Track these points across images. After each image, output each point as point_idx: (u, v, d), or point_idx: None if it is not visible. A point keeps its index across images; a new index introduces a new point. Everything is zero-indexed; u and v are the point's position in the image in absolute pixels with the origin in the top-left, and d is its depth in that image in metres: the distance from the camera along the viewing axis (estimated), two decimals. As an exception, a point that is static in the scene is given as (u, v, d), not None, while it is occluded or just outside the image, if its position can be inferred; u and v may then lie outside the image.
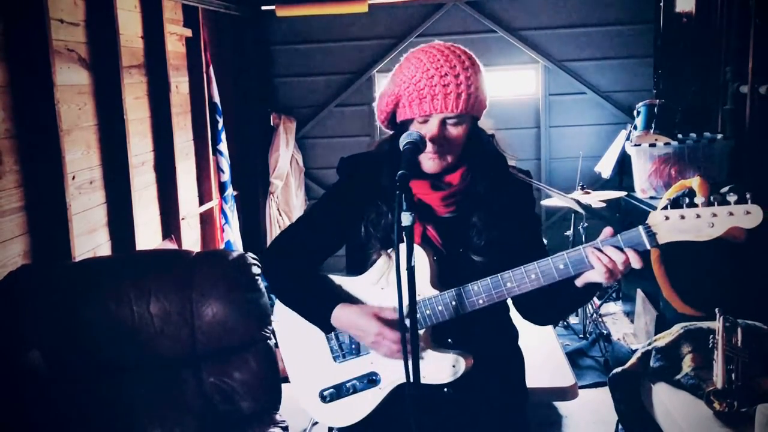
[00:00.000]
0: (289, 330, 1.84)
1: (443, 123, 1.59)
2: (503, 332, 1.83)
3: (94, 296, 2.36)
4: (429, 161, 1.61)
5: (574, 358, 4.17)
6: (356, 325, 1.67)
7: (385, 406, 1.73)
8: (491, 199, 1.67)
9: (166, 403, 2.35)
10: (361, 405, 1.75)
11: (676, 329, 2.87)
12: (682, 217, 1.45)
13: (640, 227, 1.49)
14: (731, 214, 1.43)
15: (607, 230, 1.54)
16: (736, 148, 4.22)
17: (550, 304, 1.68)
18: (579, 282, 1.57)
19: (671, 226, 1.46)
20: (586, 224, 4.64)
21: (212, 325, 2.39)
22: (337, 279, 1.77)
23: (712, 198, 1.45)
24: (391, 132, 1.74)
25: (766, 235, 3.06)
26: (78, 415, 2.29)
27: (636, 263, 1.49)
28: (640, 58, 5.66)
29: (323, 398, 1.78)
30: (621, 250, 1.49)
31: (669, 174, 4.24)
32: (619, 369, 2.92)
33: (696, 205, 1.45)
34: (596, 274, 1.52)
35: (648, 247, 1.48)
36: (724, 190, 1.50)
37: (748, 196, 1.42)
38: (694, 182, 3.58)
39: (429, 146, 1.59)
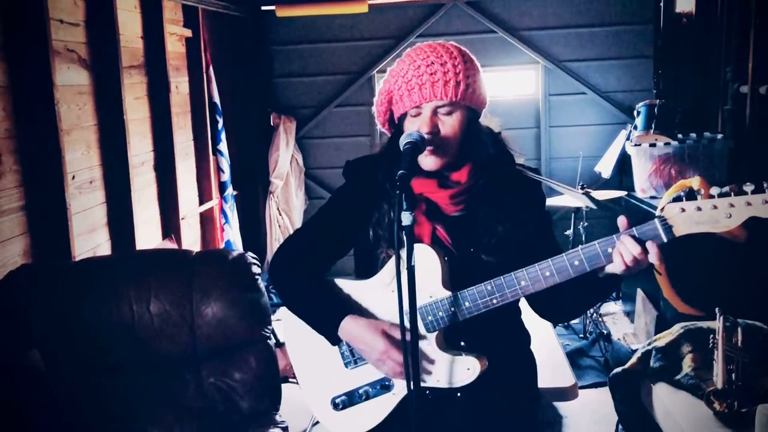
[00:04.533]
0: (298, 337, 1.80)
1: (435, 113, 1.58)
2: (516, 336, 1.80)
3: (94, 296, 2.36)
4: (426, 158, 1.59)
5: (574, 358, 4.16)
6: (363, 340, 1.64)
7: (398, 412, 1.69)
8: (500, 197, 1.65)
9: (166, 403, 2.35)
10: (375, 411, 1.71)
11: (676, 329, 2.86)
12: (699, 209, 1.41)
13: (656, 220, 1.44)
14: (749, 204, 1.38)
15: (622, 221, 1.48)
16: (736, 148, 4.22)
17: (567, 300, 1.64)
18: (597, 275, 1.52)
19: (687, 217, 1.42)
20: (586, 224, 4.63)
21: (212, 325, 2.39)
22: (348, 283, 1.74)
23: (728, 188, 1.40)
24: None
25: (766, 235, 3.07)
26: (78, 415, 2.28)
27: (654, 258, 1.43)
28: (640, 58, 5.65)
29: (335, 406, 1.75)
30: (638, 243, 1.43)
31: (669, 174, 4.24)
32: (619, 369, 2.92)
33: (712, 196, 1.41)
34: (613, 267, 1.48)
35: (665, 240, 1.43)
36: (725, 189, 1.47)
37: (765, 185, 1.38)
38: (694, 182, 3.59)
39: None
